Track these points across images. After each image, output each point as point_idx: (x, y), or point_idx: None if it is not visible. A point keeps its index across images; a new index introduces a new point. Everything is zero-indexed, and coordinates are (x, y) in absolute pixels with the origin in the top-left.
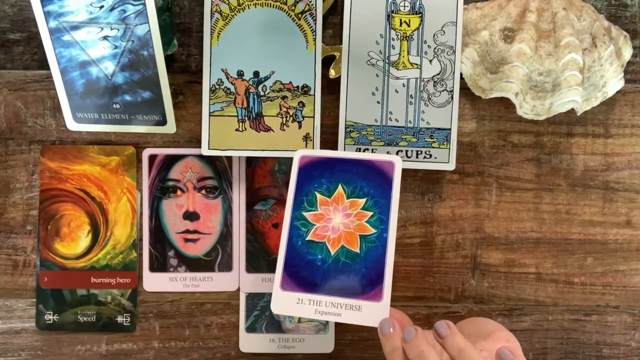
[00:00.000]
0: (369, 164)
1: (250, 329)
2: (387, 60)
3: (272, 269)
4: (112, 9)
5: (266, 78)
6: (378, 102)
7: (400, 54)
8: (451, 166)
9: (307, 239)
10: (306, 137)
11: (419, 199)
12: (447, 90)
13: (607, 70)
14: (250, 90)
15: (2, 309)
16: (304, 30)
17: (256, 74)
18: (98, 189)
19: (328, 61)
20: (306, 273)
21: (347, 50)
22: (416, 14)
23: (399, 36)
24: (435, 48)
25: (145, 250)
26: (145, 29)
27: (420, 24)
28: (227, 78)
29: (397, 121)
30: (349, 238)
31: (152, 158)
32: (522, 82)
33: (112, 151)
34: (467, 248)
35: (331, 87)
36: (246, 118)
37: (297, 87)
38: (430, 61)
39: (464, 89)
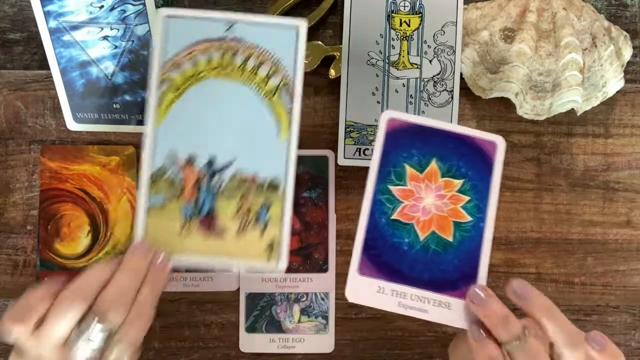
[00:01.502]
0: (468, 140)
1: (250, 329)
2: (387, 60)
3: None
4: (112, 9)
5: (223, 168)
6: (378, 102)
7: (400, 54)
8: None
9: (392, 217)
10: (270, 248)
11: None
12: (447, 90)
13: (607, 70)
14: (202, 182)
15: (2, 309)
16: (277, 112)
17: (211, 161)
18: (98, 189)
19: (328, 61)
20: (390, 257)
21: (347, 50)
22: (416, 14)
23: (399, 36)
24: (435, 48)
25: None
26: (145, 29)
27: (420, 24)
28: (174, 164)
29: None
30: (442, 223)
31: None
32: (522, 82)
33: (112, 151)
34: None
35: (331, 87)
36: (194, 217)
37: (263, 181)
38: (430, 61)
39: (464, 89)
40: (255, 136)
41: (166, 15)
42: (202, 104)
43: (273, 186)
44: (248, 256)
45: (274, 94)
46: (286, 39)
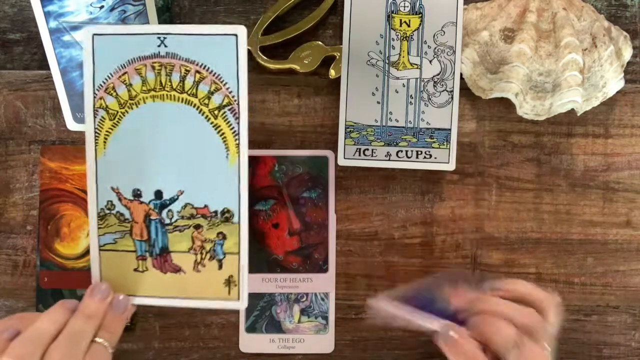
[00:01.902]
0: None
1: (250, 329)
2: (387, 61)
3: (272, 269)
4: (112, 9)
5: (172, 200)
6: (378, 102)
7: (400, 54)
8: (451, 166)
9: None
10: (229, 281)
11: (419, 199)
12: (447, 91)
13: (607, 71)
14: (152, 217)
15: (2, 309)
16: (223, 133)
17: (158, 194)
18: None
19: (328, 61)
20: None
21: (347, 50)
22: (416, 14)
23: (399, 36)
24: (435, 48)
25: None
26: None
27: (420, 24)
28: (120, 200)
29: (397, 121)
30: None
31: None
32: (522, 83)
33: None
34: (467, 248)
35: (331, 87)
36: (147, 254)
37: (215, 212)
38: (430, 61)
39: (464, 89)
40: (203, 163)
41: (93, 33)
42: (143, 131)
43: (226, 217)
44: (207, 293)
45: (218, 113)
46: (225, 51)
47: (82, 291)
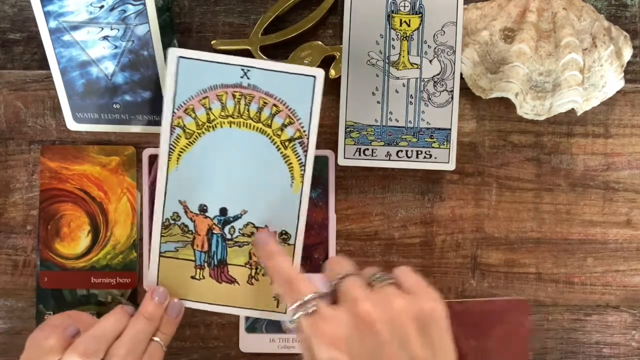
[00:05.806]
0: None
1: (250, 329)
2: (387, 60)
3: None
4: (112, 9)
5: (235, 218)
6: (378, 102)
7: (400, 54)
8: (451, 166)
9: None
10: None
11: (419, 199)
12: (447, 90)
13: (607, 70)
14: (214, 231)
15: (2, 309)
16: (290, 163)
17: (223, 211)
18: (98, 189)
19: (328, 61)
20: None
21: (347, 50)
22: (416, 14)
23: (399, 36)
24: (435, 48)
25: (145, 250)
26: (145, 29)
27: (420, 24)
28: (186, 212)
29: (397, 121)
30: None
31: (152, 158)
32: (522, 82)
33: (112, 151)
34: (467, 248)
35: (331, 87)
36: (206, 264)
37: (274, 233)
38: (430, 61)
39: (464, 89)
40: (268, 187)
41: (179, 56)
42: (216, 153)
43: (284, 238)
44: (258, 304)
45: (288, 145)
46: (302, 89)
47: (82, 291)
